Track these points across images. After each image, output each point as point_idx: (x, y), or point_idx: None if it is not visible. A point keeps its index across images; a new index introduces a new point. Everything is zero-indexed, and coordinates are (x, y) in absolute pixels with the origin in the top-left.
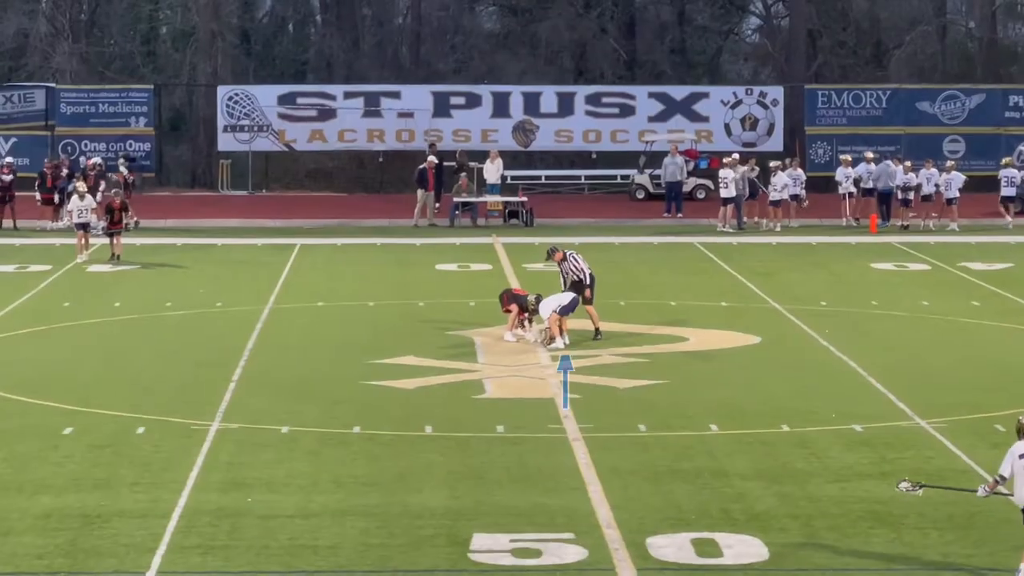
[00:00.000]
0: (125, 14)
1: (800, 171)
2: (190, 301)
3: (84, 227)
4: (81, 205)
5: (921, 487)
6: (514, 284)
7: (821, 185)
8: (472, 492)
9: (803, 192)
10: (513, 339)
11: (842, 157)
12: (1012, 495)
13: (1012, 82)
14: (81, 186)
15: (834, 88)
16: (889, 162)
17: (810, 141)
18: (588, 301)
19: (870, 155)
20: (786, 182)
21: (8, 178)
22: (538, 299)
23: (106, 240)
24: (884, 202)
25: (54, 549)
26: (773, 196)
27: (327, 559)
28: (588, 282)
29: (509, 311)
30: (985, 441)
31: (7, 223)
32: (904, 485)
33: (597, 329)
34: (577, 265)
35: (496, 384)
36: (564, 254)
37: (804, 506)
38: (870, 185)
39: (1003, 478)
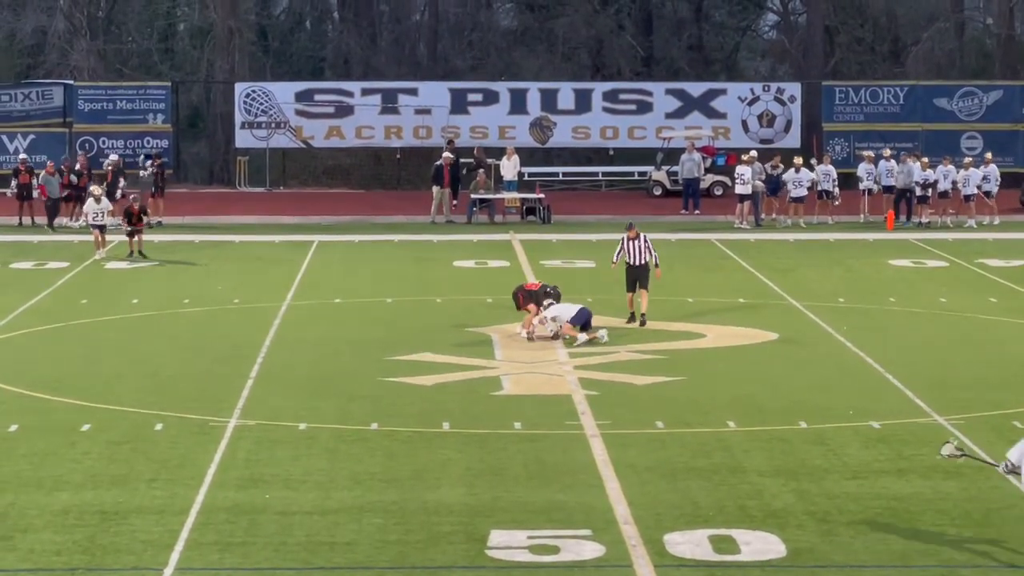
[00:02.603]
0: (143, 11)
1: (831, 167)
2: (208, 298)
3: (100, 228)
4: (97, 208)
5: (963, 455)
6: (532, 280)
7: (839, 181)
8: (490, 489)
9: (836, 189)
10: (527, 336)
11: (865, 153)
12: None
13: None
14: (96, 189)
15: (851, 84)
16: (909, 160)
17: (827, 138)
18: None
19: (887, 152)
20: (795, 178)
21: (41, 192)
22: (555, 289)
23: (124, 237)
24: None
25: (72, 546)
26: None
27: (345, 556)
28: (636, 263)
29: (528, 310)
30: (1003, 438)
31: (26, 220)
32: (947, 449)
33: (642, 315)
34: (638, 247)
35: (513, 381)
36: (638, 234)
37: (821, 503)
38: (891, 182)
39: (1011, 464)
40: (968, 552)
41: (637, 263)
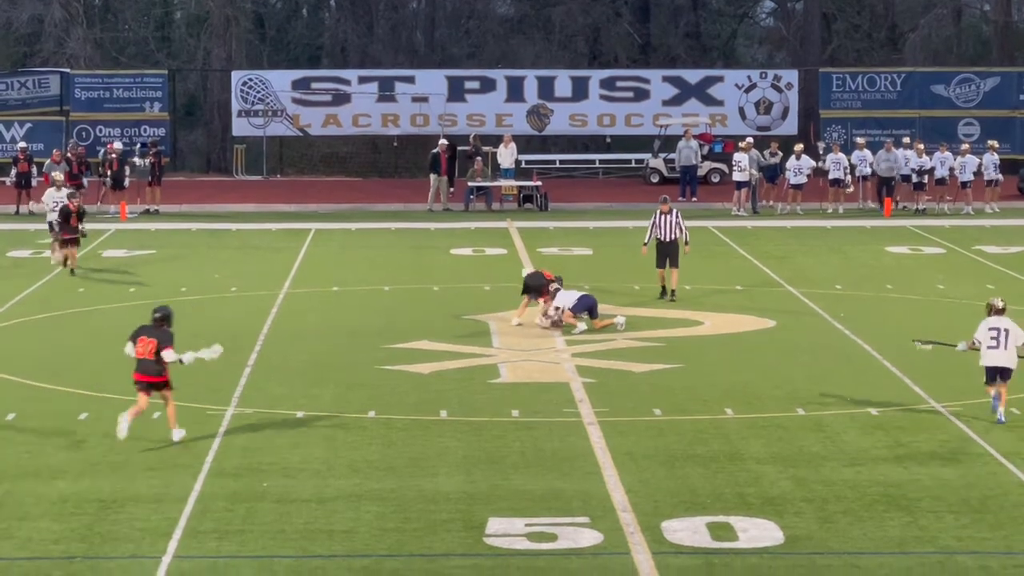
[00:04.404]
0: None
1: (842, 155)
2: (205, 286)
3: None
4: (57, 196)
5: (932, 344)
6: (529, 268)
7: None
8: (487, 476)
9: (848, 177)
10: (547, 323)
11: (858, 140)
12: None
13: None
14: (58, 176)
15: (849, 71)
16: (893, 148)
17: (824, 125)
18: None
19: (861, 141)
20: (796, 165)
21: (36, 178)
22: (560, 281)
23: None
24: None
25: (70, 534)
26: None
27: (342, 543)
28: (667, 239)
29: (544, 300)
30: (1000, 424)
31: (24, 208)
32: (918, 343)
33: (672, 291)
34: (670, 222)
35: (511, 368)
36: (671, 208)
37: (819, 490)
38: (868, 171)
39: (978, 341)
40: (965, 539)
41: (668, 239)
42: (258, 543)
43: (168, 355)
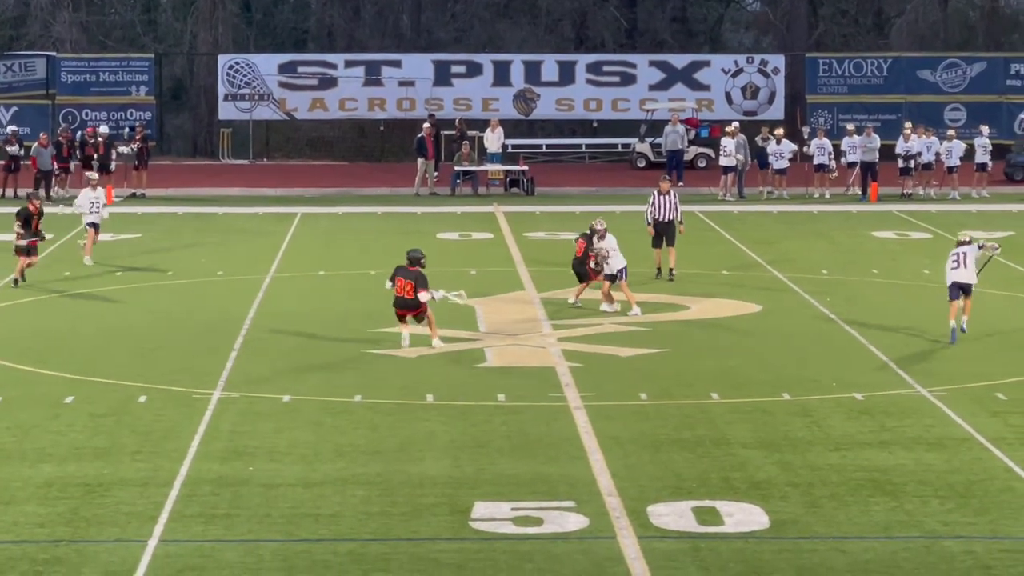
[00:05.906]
0: None
1: (826, 140)
2: (191, 270)
3: (94, 226)
4: (93, 196)
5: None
6: (515, 252)
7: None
8: (473, 461)
9: (833, 162)
10: (611, 309)
11: (849, 127)
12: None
13: (1013, 50)
14: (93, 175)
15: (835, 56)
16: (874, 133)
17: (811, 110)
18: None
19: (851, 127)
20: (776, 150)
21: (14, 149)
22: (604, 229)
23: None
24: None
25: (56, 518)
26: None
27: (328, 528)
28: (664, 219)
29: (596, 271)
30: (986, 409)
31: (10, 192)
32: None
33: (670, 270)
34: (668, 202)
35: (497, 353)
36: (670, 188)
37: (805, 474)
38: (856, 158)
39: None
40: (951, 523)
41: (666, 219)
42: (244, 527)
43: (423, 296)
